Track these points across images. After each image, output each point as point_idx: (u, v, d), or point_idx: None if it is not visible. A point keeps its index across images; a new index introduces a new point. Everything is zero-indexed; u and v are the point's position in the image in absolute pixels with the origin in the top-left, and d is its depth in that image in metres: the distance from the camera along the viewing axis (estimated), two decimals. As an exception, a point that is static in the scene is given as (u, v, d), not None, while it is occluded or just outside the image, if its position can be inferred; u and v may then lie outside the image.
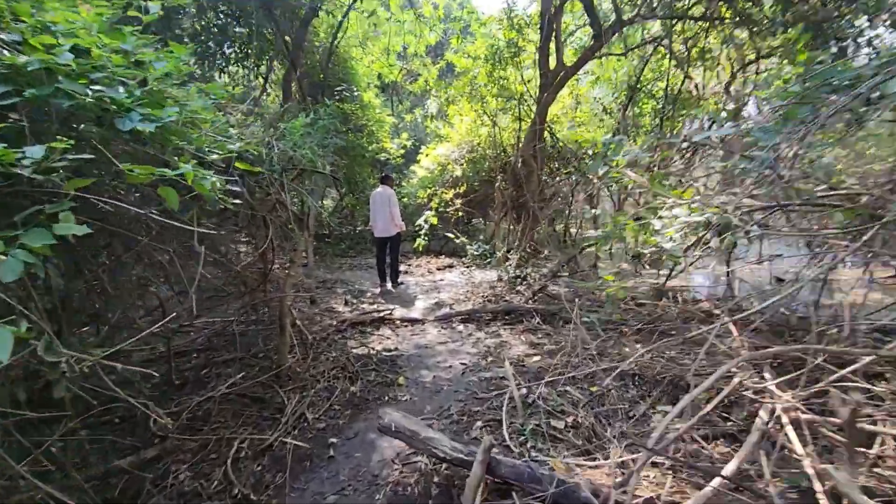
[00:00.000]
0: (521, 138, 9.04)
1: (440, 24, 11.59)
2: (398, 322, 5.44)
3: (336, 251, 10.51)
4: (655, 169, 5.96)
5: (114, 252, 2.14)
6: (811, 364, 2.09)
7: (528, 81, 9.24)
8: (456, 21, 10.43)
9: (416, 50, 12.27)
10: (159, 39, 2.20)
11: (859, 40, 4.23)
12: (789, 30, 4.36)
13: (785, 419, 2.13)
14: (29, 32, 1.58)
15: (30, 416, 1.65)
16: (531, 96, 9.20)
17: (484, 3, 36.04)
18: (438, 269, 8.89)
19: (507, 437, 2.76)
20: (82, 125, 1.49)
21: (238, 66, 10.47)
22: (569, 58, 8.35)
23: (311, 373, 3.79)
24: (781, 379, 2.33)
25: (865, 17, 4.43)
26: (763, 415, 2.22)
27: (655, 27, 8.82)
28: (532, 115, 9.09)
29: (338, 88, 10.55)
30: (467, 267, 8.75)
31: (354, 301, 6.40)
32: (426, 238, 9.41)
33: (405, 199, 10.83)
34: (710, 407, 2.05)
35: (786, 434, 2.12)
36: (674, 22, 7.05)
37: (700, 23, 7.06)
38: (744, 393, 2.89)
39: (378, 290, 7.04)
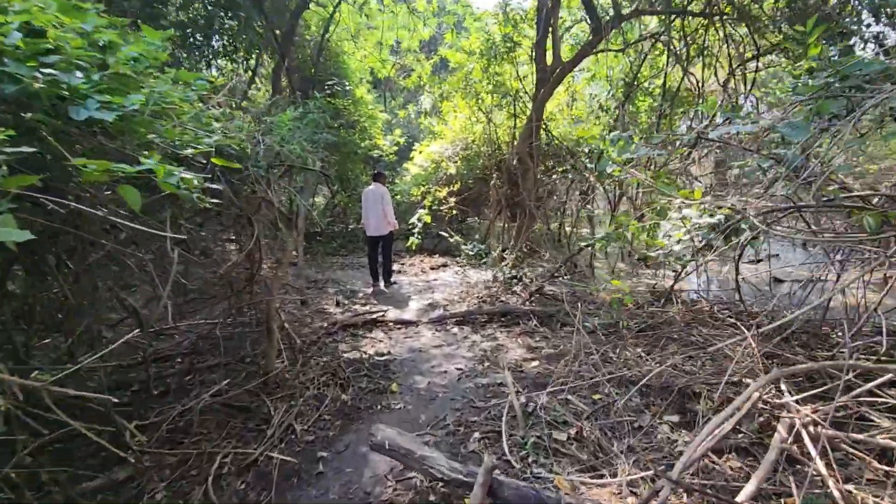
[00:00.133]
0: (517, 135, 8.89)
1: (434, 18, 11.39)
2: (391, 324, 5.27)
3: (327, 250, 10.30)
4: (655, 168, 5.85)
5: (80, 257, 1.95)
6: (843, 380, 1.95)
7: (524, 78, 9.08)
8: (450, 15, 10.24)
9: (409, 45, 12.06)
10: (132, 22, 2.01)
11: (865, 36, 4.13)
12: (796, 24, 4.24)
13: (805, 435, 2.00)
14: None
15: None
16: (526, 93, 9.05)
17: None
18: (432, 269, 8.73)
19: (506, 450, 2.61)
20: (30, 114, 1.31)
21: (226, 59, 10.19)
22: (565, 53, 8.20)
23: (300, 379, 3.61)
24: (807, 394, 2.19)
25: (867, 12, 4.33)
26: (781, 430, 2.08)
27: (652, 23, 8.71)
28: (527, 112, 8.94)
29: (329, 83, 10.31)
30: (461, 266, 8.59)
31: (346, 302, 6.22)
32: (419, 237, 9.24)
33: (398, 197, 10.63)
34: (729, 425, 1.91)
35: (807, 451, 1.98)
36: (672, 18, 6.93)
37: (699, 19, 6.94)
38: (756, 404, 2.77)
39: (370, 290, 6.87)
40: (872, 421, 2.37)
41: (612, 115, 8.78)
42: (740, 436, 2.64)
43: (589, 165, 8.87)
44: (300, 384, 3.54)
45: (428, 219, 9.28)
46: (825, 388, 2.51)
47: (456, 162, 10.18)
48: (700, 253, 2.65)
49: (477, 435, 2.84)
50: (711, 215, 2.40)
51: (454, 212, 9.97)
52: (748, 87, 6.86)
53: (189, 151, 1.72)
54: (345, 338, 4.81)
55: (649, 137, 2.89)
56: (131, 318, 2.81)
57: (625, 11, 6.50)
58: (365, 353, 4.36)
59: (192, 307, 4.91)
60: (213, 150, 1.86)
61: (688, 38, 7.10)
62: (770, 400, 2.35)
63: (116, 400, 1.35)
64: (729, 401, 2.85)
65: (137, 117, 1.49)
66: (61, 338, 2.38)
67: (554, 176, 8.97)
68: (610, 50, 7.95)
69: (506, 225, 9.61)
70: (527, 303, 5.62)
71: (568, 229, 9.89)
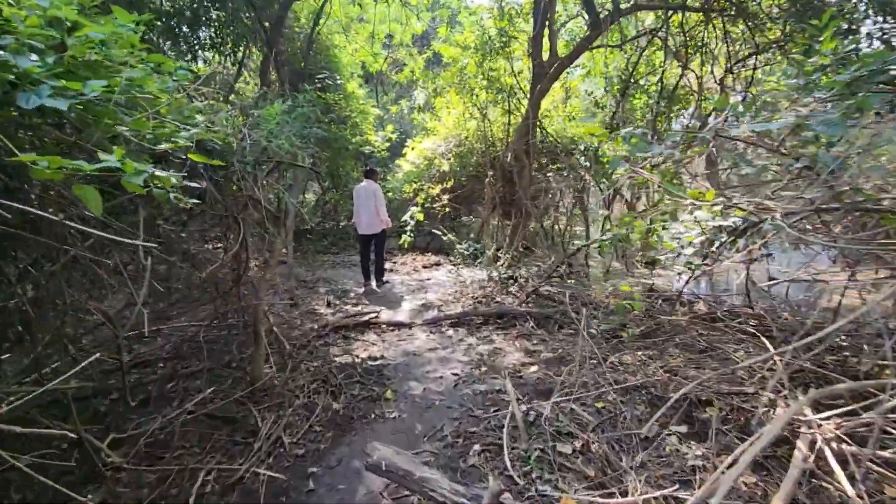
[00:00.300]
0: (511, 132, 8.74)
1: (427, 12, 11.18)
2: (384, 326, 5.11)
3: (317, 248, 10.09)
4: (650, 167, 5.73)
5: (43, 264, 1.77)
6: (887, 398, 1.83)
7: (519, 73, 8.93)
8: (444, 9, 10.04)
9: (401, 39, 11.83)
10: (103, 2, 1.82)
11: (870, 31, 4.04)
12: (796, 21, 4.14)
13: (828, 452, 1.88)
14: None
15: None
16: (521, 89, 8.90)
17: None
18: (425, 268, 8.57)
19: (508, 464, 2.47)
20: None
21: (213, 51, 9.90)
22: (560, 50, 8.05)
23: (288, 387, 3.44)
24: (835, 412, 2.07)
25: (874, 8, 4.24)
26: (802, 446, 1.96)
27: (649, 20, 8.60)
28: (522, 109, 8.79)
29: (319, 76, 10.06)
30: (454, 265, 8.44)
31: (337, 302, 6.04)
32: (412, 234, 9.07)
33: (390, 194, 10.43)
34: (758, 448, 1.78)
35: (829, 469, 1.87)
36: (670, 13, 6.81)
37: (697, 15, 6.84)
38: (764, 413, 2.66)
39: (362, 290, 6.70)
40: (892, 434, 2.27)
41: (608, 112, 8.66)
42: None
43: (584, 163, 8.79)
44: (289, 392, 3.37)
45: (421, 216, 9.11)
46: (842, 400, 2.40)
47: (449, 159, 10.01)
48: (711, 256, 2.54)
49: (477, 447, 2.70)
50: (725, 217, 2.28)
51: (447, 209, 9.81)
52: (747, 85, 6.76)
53: (164, 146, 1.54)
54: (336, 340, 4.64)
55: (677, 134, 2.75)
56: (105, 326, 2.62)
57: (623, 6, 6.36)
58: (357, 357, 4.20)
59: (176, 310, 4.71)
60: (193, 144, 1.69)
61: (686, 35, 6.99)
62: (803, 419, 2.22)
63: (74, 435, 1.17)
64: (740, 411, 2.74)
65: (100, 107, 1.32)
66: (29, 348, 2.19)
67: (549, 174, 8.84)
68: (608, 46, 7.82)
69: (500, 223, 9.48)
70: (523, 304, 5.50)
71: (560, 227, 9.79)
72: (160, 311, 4.51)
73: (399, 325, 5.12)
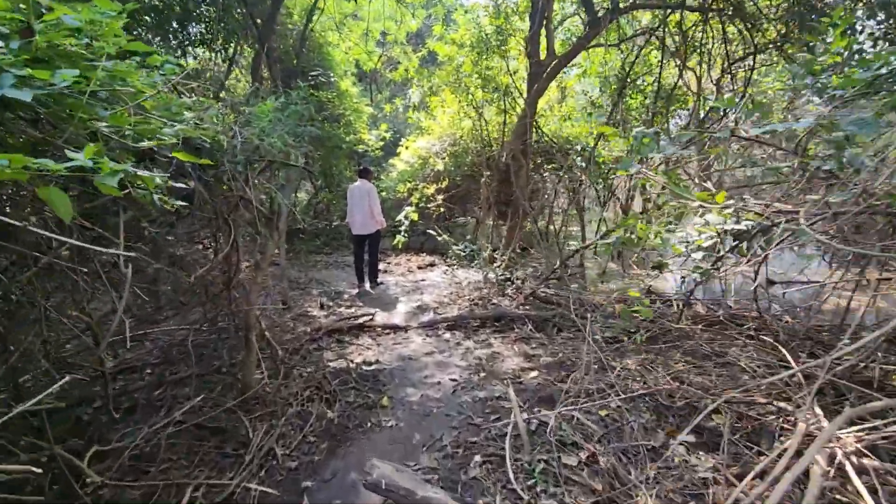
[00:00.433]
0: (506, 132, 8.64)
1: (422, 10, 11.05)
2: (379, 329, 4.99)
3: (310, 248, 9.93)
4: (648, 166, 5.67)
5: (12, 272, 1.64)
6: None
7: (514, 73, 8.83)
8: (439, 7, 9.91)
9: (396, 37, 11.69)
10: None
11: (874, 31, 4.00)
12: (795, 21, 4.09)
13: (850, 468, 1.80)
14: None
15: None
16: (516, 88, 8.81)
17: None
18: (419, 268, 8.46)
19: (511, 477, 2.37)
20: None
21: (204, 47, 9.69)
22: (557, 48, 7.97)
23: (281, 394, 3.32)
24: (860, 428, 1.98)
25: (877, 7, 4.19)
26: (821, 460, 1.88)
27: (644, 20, 8.54)
28: (517, 108, 8.70)
29: (312, 73, 9.90)
30: (449, 266, 8.33)
31: (330, 304, 5.91)
32: (406, 235, 8.95)
33: (384, 194, 10.29)
34: (793, 476, 1.69)
35: (852, 486, 1.79)
36: (668, 12, 6.76)
37: (695, 15, 6.79)
38: (774, 421, 2.59)
39: (355, 292, 6.57)
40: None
41: (604, 111, 8.60)
42: (761, 457, 2.45)
43: (580, 164, 8.71)
44: (282, 399, 3.25)
45: (415, 216, 8.99)
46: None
47: (444, 158, 9.90)
48: (721, 260, 2.47)
49: (478, 458, 2.59)
50: (737, 220, 2.20)
51: (442, 209, 9.70)
52: (744, 86, 6.72)
53: (146, 144, 1.42)
54: (330, 344, 4.52)
55: (692, 133, 2.67)
56: (88, 333, 2.48)
57: (622, 4, 6.29)
58: (352, 361, 4.08)
59: (165, 313, 4.56)
60: (180, 142, 1.56)
61: (685, 34, 6.94)
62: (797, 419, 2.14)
63: (38, 470, 1.05)
64: (748, 418, 2.66)
65: (73, 99, 1.19)
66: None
67: (546, 174, 8.76)
68: (608, 45, 7.74)
69: (495, 223, 9.38)
70: (521, 306, 5.40)
71: (553, 227, 9.71)
72: (147, 315, 4.35)
73: (394, 329, 5.01)
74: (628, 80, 7.91)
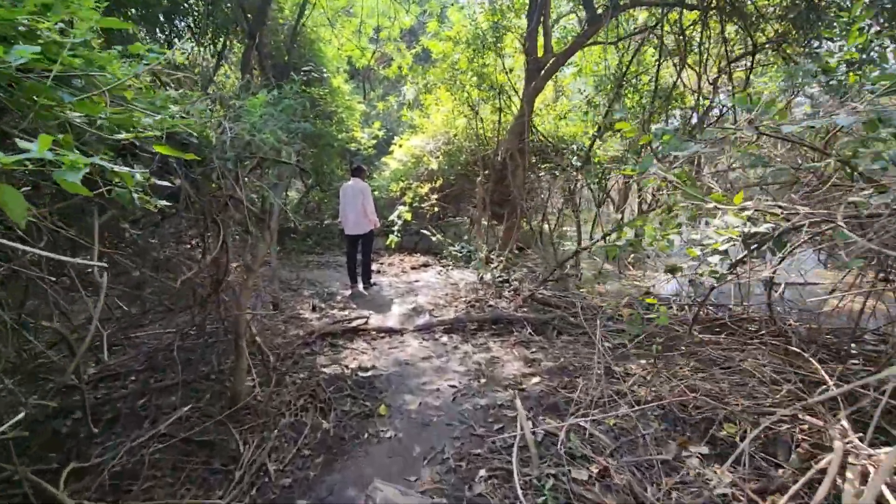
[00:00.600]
0: (502, 130, 8.53)
1: (416, 6, 10.88)
2: (374, 332, 4.84)
3: (302, 247, 9.74)
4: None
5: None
6: None
7: (510, 71, 8.71)
8: (433, 3, 9.76)
9: (389, 33, 11.51)
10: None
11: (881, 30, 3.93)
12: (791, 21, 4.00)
13: (884, 487, 1.69)
14: None
15: None
16: (512, 86, 8.69)
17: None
18: (413, 269, 8.31)
19: (520, 493, 2.24)
20: None
21: (192, 41, 9.44)
22: (554, 46, 7.86)
23: (273, 403, 3.16)
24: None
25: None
26: (852, 477, 1.77)
27: (641, 19, 8.46)
28: (513, 107, 8.58)
29: (304, 69, 9.69)
30: (444, 266, 8.20)
31: (323, 306, 5.74)
32: (399, 235, 8.80)
33: (377, 193, 10.11)
34: (805, 481, 1.58)
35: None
36: (666, 10, 6.68)
37: (694, 14, 6.72)
38: (788, 431, 2.49)
39: (348, 293, 6.41)
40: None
41: (601, 110, 8.51)
42: (780, 470, 2.35)
43: (576, 163, 8.62)
44: (274, 409, 3.09)
45: (408, 216, 8.84)
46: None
47: (438, 157, 9.75)
48: (740, 263, 2.37)
49: (483, 472, 2.46)
50: (755, 223, 2.09)
51: (435, 209, 9.56)
52: (743, 86, 6.67)
53: (123, 136, 1.26)
54: (323, 349, 4.36)
55: (711, 132, 2.55)
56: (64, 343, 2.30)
57: (622, 2, 6.19)
58: (347, 367, 3.93)
59: (150, 316, 4.37)
60: (162, 135, 1.41)
61: (684, 33, 6.86)
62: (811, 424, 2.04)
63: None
64: (768, 429, 2.56)
65: (33, 82, 1.03)
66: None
67: (542, 174, 8.65)
68: (606, 42, 7.65)
69: (490, 223, 9.27)
70: (519, 309, 5.28)
71: (548, 227, 9.62)
72: (132, 319, 4.16)
73: (390, 332, 4.86)
74: (625, 78, 7.83)
